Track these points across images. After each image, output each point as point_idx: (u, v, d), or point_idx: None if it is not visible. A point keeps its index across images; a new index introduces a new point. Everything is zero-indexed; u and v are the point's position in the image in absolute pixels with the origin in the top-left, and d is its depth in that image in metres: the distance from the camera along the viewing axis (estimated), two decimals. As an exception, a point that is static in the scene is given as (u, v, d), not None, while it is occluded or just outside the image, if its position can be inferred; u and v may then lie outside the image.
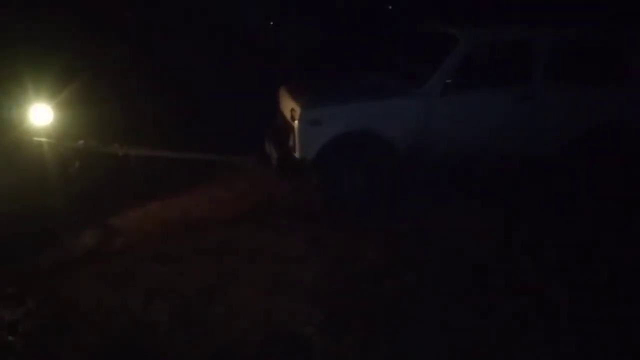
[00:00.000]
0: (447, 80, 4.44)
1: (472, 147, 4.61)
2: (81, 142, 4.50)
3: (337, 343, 2.93)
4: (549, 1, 5.73)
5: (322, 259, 3.79)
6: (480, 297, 3.33)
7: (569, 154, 4.79)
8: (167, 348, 2.93)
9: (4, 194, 4.29)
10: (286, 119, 4.63)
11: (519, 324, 3.08)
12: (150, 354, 2.90)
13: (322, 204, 4.57)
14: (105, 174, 4.83)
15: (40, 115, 4.37)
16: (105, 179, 4.84)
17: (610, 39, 4.79)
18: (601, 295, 3.33)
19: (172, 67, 6.95)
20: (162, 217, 4.54)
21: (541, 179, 4.83)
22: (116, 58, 6.36)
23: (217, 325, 3.09)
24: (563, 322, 3.10)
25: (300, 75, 5.69)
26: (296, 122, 4.31)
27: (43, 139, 4.37)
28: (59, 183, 4.49)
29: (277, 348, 2.92)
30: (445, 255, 3.80)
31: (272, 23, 9.48)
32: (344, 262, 3.75)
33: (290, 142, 4.45)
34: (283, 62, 7.76)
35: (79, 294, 3.41)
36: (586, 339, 2.95)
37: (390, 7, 9.81)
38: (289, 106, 4.54)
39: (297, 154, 4.38)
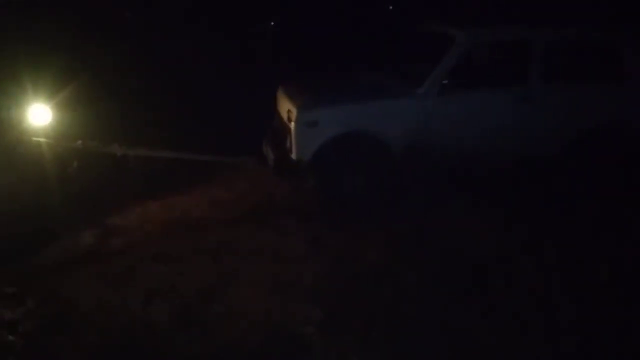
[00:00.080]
0: (445, 81, 4.43)
1: (470, 148, 4.61)
2: (79, 142, 4.51)
3: (337, 343, 2.93)
4: (549, 1, 5.73)
5: (322, 259, 3.79)
6: (480, 297, 3.33)
7: (569, 154, 4.79)
8: (167, 348, 2.93)
9: (3, 194, 4.29)
10: (283, 120, 4.63)
11: (519, 324, 3.08)
12: (150, 354, 2.90)
13: (319, 205, 4.56)
14: (104, 174, 4.84)
15: (39, 115, 4.37)
16: (104, 179, 4.84)
17: (609, 39, 4.80)
18: (601, 295, 3.33)
19: (172, 67, 6.95)
20: (162, 217, 4.54)
21: (541, 179, 4.83)
22: (116, 58, 6.36)
23: (217, 325, 3.09)
24: (563, 322, 3.09)
25: (298, 76, 5.67)
26: (293, 123, 4.31)
27: (42, 139, 4.37)
28: (57, 183, 4.50)
29: (277, 348, 2.92)
30: (445, 255, 3.80)
31: (272, 23, 9.49)
32: (344, 262, 3.75)
33: (287, 143, 4.45)
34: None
35: (79, 294, 3.41)
36: (586, 339, 2.95)
37: (390, 7, 9.82)
38: (286, 107, 4.54)
39: (293, 155, 4.39)
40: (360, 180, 4.50)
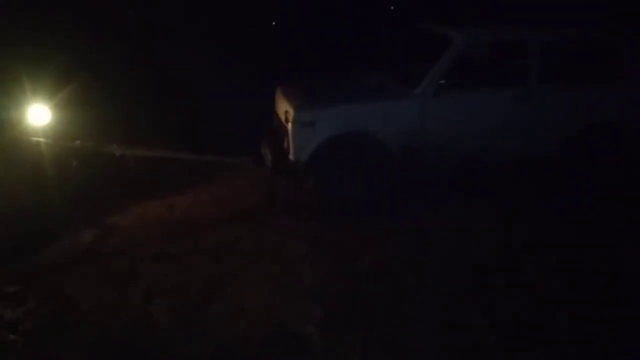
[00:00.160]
0: (441, 81, 4.43)
1: (468, 148, 4.61)
2: (77, 142, 4.51)
3: (337, 343, 2.93)
4: (549, 2, 5.74)
5: (322, 259, 3.79)
6: (480, 297, 3.33)
7: (568, 154, 4.78)
8: (167, 347, 2.93)
9: (2, 194, 4.30)
10: (281, 121, 4.64)
11: (519, 324, 3.08)
12: (150, 354, 2.90)
13: (319, 205, 4.56)
14: (102, 174, 4.84)
15: (38, 115, 4.38)
16: (103, 179, 4.84)
17: (608, 39, 4.80)
18: (601, 295, 3.34)
19: (172, 67, 6.95)
20: (162, 216, 4.54)
21: (541, 178, 4.83)
22: (115, 58, 6.36)
23: (217, 325, 3.09)
24: (563, 322, 3.09)
25: (298, 76, 5.68)
26: (290, 124, 4.32)
27: (41, 139, 4.38)
28: (56, 183, 4.50)
29: (277, 347, 2.92)
30: (445, 255, 3.80)
31: (274, 23, 9.49)
32: (344, 262, 3.75)
33: (285, 144, 4.46)
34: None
35: (79, 293, 3.41)
36: (586, 339, 2.95)
37: (392, 7, 9.82)
38: (284, 108, 4.55)
39: (291, 156, 4.39)
40: (358, 180, 4.49)
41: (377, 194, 4.54)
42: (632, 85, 4.74)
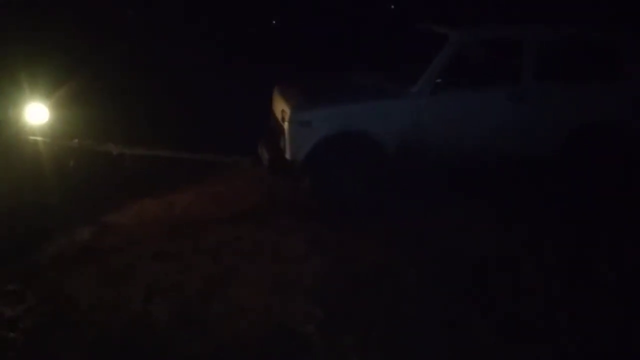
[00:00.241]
0: (438, 80, 4.43)
1: (464, 146, 4.60)
2: (75, 140, 4.51)
3: (337, 343, 2.93)
4: (549, 1, 5.74)
5: (322, 259, 3.79)
6: (480, 297, 3.33)
7: (567, 153, 4.78)
8: (167, 347, 2.92)
9: (1, 193, 4.30)
10: (278, 121, 4.64)
11: (519, 324, 3.08)
12: (150, 353, 2.90)
13: (319, 205, 4.56)
14: (100, 172, 4.84)
15: (36, 114, 4.38)
16: (100, 177, 4.84)
17: (606, 39, 4.79)
18: (601, 295, 3.34)
19: (172, 66, 6.95)
20: (162, 215, 4.54)
21: (540, 178, 4.82)
22: (115, 57, 6.37)
23: (217, 325, 3.08)
24: (563, 322, 3.09)
25: (297, 76, 5.67)
26: (286, 123, 4.32)
27: (39, 138, 4.37)
28: (54, 182, 4.50)
29: (277, 347, 2.91)
30: (445, 255, 3.80)
31: (274, 22, 9.49)
32: (344, 262, 3.75)
33: (282, 143, 4.46)
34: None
35: (78, 292, 3.40)
36: (586, 339, 2.95)
37: (392, 7, 9.83)
38: (280, 107, 4.55)
39: (288, 155, 4.39)
40: (355, 180, 4.49)
41: (375, 193, 4.53)
42: (632, 85, 4.73)
